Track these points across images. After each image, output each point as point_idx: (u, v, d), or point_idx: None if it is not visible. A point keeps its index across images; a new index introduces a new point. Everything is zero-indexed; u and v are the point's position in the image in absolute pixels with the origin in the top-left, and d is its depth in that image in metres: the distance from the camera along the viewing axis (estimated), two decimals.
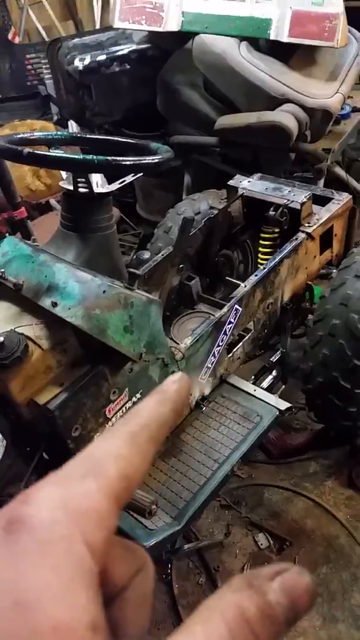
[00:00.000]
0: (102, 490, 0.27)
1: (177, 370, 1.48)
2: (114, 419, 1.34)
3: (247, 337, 1.82)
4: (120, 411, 1.35)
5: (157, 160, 1.31)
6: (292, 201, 1.93)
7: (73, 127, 1.77)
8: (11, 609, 0.23)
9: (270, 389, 1.92)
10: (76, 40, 3.02)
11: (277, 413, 1.61)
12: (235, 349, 1.77)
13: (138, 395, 1.40)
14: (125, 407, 1.36)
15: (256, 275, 1.79)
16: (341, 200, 2.00)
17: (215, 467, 1.49)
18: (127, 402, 1.37)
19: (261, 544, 1.81)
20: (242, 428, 1.57)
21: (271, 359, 2.00)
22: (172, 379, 0.34)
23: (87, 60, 2.91)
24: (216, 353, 1.66)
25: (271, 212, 1.98)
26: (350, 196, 2.01)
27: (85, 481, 0.27)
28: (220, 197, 2.26)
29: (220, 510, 1.94)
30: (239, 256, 2.32)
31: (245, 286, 1.74)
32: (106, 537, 0.27)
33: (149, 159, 1.31)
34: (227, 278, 2.15)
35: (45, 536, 0.25)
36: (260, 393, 1.68)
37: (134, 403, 1.39)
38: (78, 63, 2.90)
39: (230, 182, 2.11)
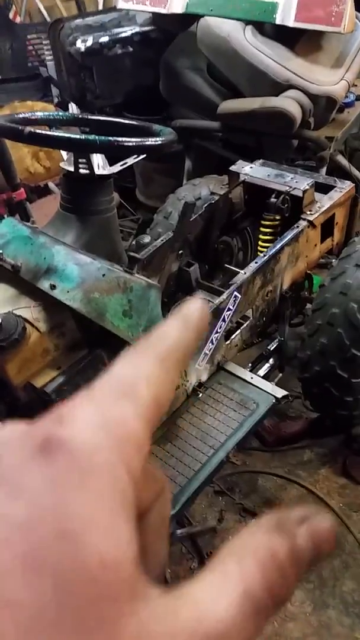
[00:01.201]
0: (139, 413, 0.26)
1: None
2: None
3: (245, 325, 1.81)
4: None
5: (160, 142, 1.29)
6: (295, 188, 1.91)
7: (74, 109, 1.75)
8: (56, 539, 0.21)
9: (267, 377, 1.92)
10: (78, 20, 2.97)
11: (274, 401, 1.61)
12: (233, 336, 1.76)
13: None
14: None
15: (256, 263, 1.78)
16: (343, 188, 1.99)
17: (210, 453, 1.49)
18: None
19: None
20: (238, 415, 1.58)
21: (269, 347, 2.00)
22: (194, 305, 0.32)
23: (90, 42, 2.86)
24: (214, 340, 1.65)
25: (272, 199, 1.97)
26: (353, 184, 1.99)
27: (121, 403, 0.26)
28: (221, 182, 2.24)
29: (214, 496, 1.95)
30: (239, 243, 2.31)
31: (245, 273, 1.74)
32: (143, 464, 0.25)
33: (152, 140, 1.29)
34: (226, 265, 2.14)
35: (88, 461, 0.23)
36: (257, 380, 1.68)
37: None
38: (80, 44, 2.86)
39: (232, 168, 2.10)
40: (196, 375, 1.64)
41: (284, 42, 2.36)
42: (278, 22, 2.28)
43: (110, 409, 0.25)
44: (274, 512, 0.26)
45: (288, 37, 2.35)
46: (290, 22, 2.26)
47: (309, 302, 2.05)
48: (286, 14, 2.28)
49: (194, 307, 0.32)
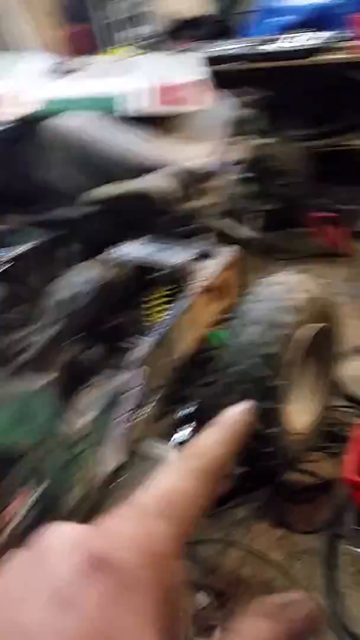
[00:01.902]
0: (177, 534, 0.29)
1: (84, 448, 1.47)
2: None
3: (154, 398, 1.84)
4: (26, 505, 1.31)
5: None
6: (182, 260, 2.01)
7: None
8: None
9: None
10: None
11: None
12: (145, 411, 1.78)
13: (45, 485, 1.37)
14: (32, 500, 1.33)
15: (155, 335, 1.84)
16: (229, 252, 2.11)
17: None
18: (34, 494, 1.33)
19: (200, 604, 1.79)
20: None
21: (184, 414, 2.03)
22: (232, 414, 0.34)
23: None
24: (124, 421, 1.67)
25: (162, 273, 2.06)
26: (238, 248, 2.12)
27: (159, 523, 0.29)
28: (109, 263, 2.30)
29: None
30: (137, 318, 2.35)
31: (146, 347, 1.78)
32: (177, 576, 0.29)
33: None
34: (126, 341, 2.18)
35: (130, 580, 0.26)
36: (174, 455, 1.70)
37: (43, 493, 1.35)
38: None
39: (114, 251, 2.18)
40: (111, 462, 1.63)
41: (147, 125, 2.53)
42: (136, 108, 2.44)
43: (149, 528, 0.29)
44: (260, 600, 0.30)
45: (150, 120, 2.52)
46: (150, 107, 2.43)
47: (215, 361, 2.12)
48: (144, 100, 2.45)
49: (231, 417, 0.34)
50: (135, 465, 1.67)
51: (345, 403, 2.47)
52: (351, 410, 2.44)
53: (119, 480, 1.62)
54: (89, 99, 2.49)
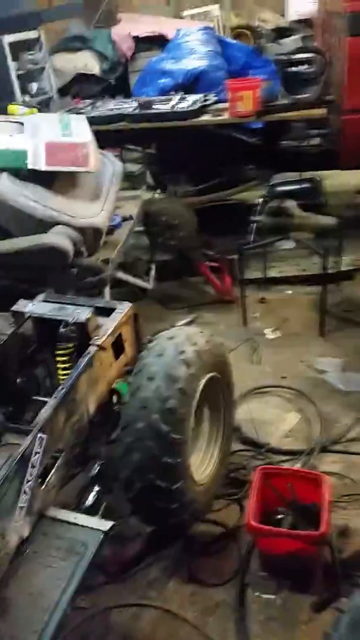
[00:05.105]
0: None
1: None
2: None
3: (58, 462, 1.78)
4: None
5: None
6: (77, 319, 2.00)
7: None
8: None
9: (97, 505, 1.89)
10: None
11: (102, 535, 1.59)
12: (48, 478, 1.72)
13: None
14: None
15: (55, 397, 1.79)
16: (123, 309, 2.14)
17: (46, 617, 1.40)
18: None
19: None
20: (68, 563, 1.51)
21: (89, 474, 1.98)
22: None
23: None
24: (27, 489, 1.59)
25: (62, 329, 2.03)
26: (131, 304, 2.16)
27: None
28: (8, 321, 2.24)
29: None
30: (43, 372, 2.30)
31: (46, 411, 1.73)
32: None
33: None
34: (33, 397, 2.11)
35: None
36: (81, 519, 1.64)
37: None
38: None
39: (14, 308, 2.13)
40: (16, 533, 1.55)
41: (41, 183, 2.54)
42: (30, 167, 2.45)
43: None
44: None
45: (44, 179, 2.54)
46: (42, 166, 2.45)
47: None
48: (37, 159, 2.47)
49: None
50: (41, 536, 1.59)
51: (243, 447, 2.55)
52: (249, 453, 2.53)
53: (23, 555, 1.53)
54: (0, 151, 2.44)
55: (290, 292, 3.81)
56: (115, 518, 1.70)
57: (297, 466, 2.38)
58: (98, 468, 2.01)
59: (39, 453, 1.65)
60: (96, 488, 1.98)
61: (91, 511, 1.83)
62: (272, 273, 3.86)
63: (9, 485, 1.52)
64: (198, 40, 4.88)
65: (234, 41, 5.49)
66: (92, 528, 1.60)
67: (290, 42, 5.69)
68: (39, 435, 1.65)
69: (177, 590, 1.96)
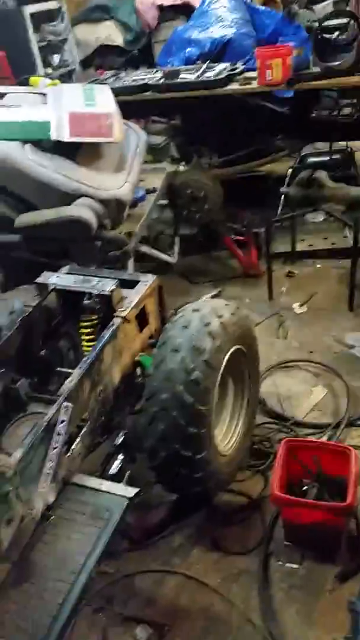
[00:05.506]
0: None
1: (11, 489, 1.41)
2: None
3: (83, 431, 1.81)
4: None
5: None
6: (102, 290, 2.01)
7: None
8: None
9: (121, 474, 1.91)
10: None
11: (127, 502, 1.61)
12: (73, 446, 1.74)
13: None
14: None
15: (80, 368, 1.81)
16: (147, 281, 2.13)
17: (72, 579, 1.43)
18: None
19: (140, 638, 1.75)
20: (93, 529, 1.54)
21: (114, 443, 2.00)
22: None
23: None
24: (53, 457, 1.62)
25: (86, 301, 2.04)
26: (155, 277, 2.15)
27: None
28: (33, 293, 2.26)
29: (94, 615, 1.84)
30: (67, 344, 2.32)
31: (71, 381, 1.75)
32: None
33: None
34: (58, 369, 2.14)
35: None
36: (106, 486, 1.67)
37: None
38: None
39: (39, 280, 2.14)
40: (42, 499, 1.58)
41: (65, 154, 2.53)
42: (54, 138, 2.44)
43: None
44: None
45: (68, 150, 2.52)
46: (66, 137, 2.43)
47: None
48: (60, 130, 2.45)
49: None
50: (67, 502, 1.62)
51: (268, 419, 2.55)
52: (274, 426, 2.52)
53: (49, 520, 1.57)
54: (22, 123, 2.44)
55: (319, 265, 3.74)
56: (139, 486, 1.72)
57: (324, 439, 2.37)
58: (122, 437, 2.03)
59: (64, 421, 1.67)
60: (120, 456, 2.00)
61: (115, 479, 1.85)
62: (301, 246, 3.79)
63: (35, 453, 1.55)
64: (225, 7, 4.72)
65: (263, 7, 5.31)
66: (117, 494, 1.62)
67: (323, 8, 5.47)
68: (64, 404, 1.67)
69: (200, 557, 1.99)
